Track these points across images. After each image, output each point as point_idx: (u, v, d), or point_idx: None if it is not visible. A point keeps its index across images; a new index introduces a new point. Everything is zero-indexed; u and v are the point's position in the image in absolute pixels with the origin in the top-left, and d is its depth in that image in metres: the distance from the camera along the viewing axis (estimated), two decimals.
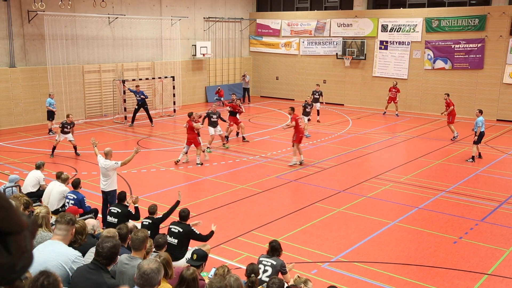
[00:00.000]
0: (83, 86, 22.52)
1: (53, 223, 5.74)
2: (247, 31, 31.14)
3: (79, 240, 5.47)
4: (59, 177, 9.76)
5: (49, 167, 13.59)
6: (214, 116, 17.03)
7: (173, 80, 24.59)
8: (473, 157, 15.83)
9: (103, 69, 23.25)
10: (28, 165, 14.24)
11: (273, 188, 13.00)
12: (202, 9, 28.01)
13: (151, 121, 21.40)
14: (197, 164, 15.11)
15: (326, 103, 24.25)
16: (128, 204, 8.73)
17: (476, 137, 15.73)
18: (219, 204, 11.73)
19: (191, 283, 4.71)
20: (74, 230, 5.14)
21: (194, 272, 4.79)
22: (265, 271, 6.45)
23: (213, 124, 17.01)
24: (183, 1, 26.90)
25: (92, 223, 6.64)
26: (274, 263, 6.52)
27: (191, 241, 7.81)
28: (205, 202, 11.87)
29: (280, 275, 6.44)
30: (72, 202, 9.17)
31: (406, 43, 25.49)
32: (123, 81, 22.40)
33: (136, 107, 21.34)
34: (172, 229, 7.66)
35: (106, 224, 8.28)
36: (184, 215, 7.77)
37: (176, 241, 7.55)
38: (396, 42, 25.81)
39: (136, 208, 8.71)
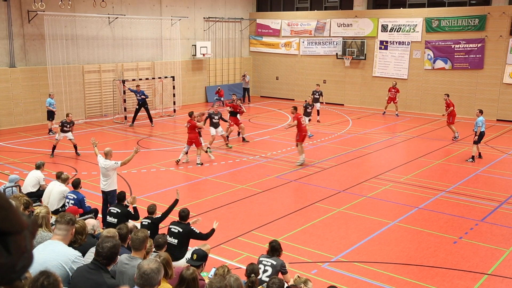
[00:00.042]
0: (83, 86, 22.52)
1: (53, 223, 5.74)
2: (247, 31, 31.15)
3: (79, 240, 5.47)
4: (59, 177, 9.76)
5: (49, 167, 13.59)
6: (216, 117, 17.03)
7: (173, 80, 24.59)
8: (473, 157, 15.83)
9: (103, 69, 23.26)
10: (28, 165, 14.24)
11: (273, 188, 13.00)
12: (202, 9, 28.01)
13: (151, 121, 21.41)
14: (197, 164, 15.11)
15: (326, 103, 24.25)
16: (128, 205, 8.74)
17: (476, 137, 15.73)
18: (219, 204, 11.73)
19: (191, 283, 4.71)
20: (74, 230, 5.14)
21: (194, 272, 4.79)
22: (265, 271, 6.45)
23: (215, 125, 17.02)
24: (183, 1, 26.91)
25: (92, 223, 6.64)
26: (274, 263, 6.52)
27: (191, 240, 7.81)
28: (205, 202, 11.87)
29: (280, 275, 6.44)
30: (72, 202, 9.17)
31: (406, 43, 25.49)
32: (123, 81, 22.40)
33: (137, 107, 21.35)
34: (172, 229, 7.65)
35: (106, 224, 8.28)
36: (184, 215, 7.76)
37: (176, 241, 7.55)
38: (396, 42, 25.82)
39: (135, 208, 8.71)
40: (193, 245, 7.47)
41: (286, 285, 5.89)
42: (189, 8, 27.30)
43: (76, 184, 9.50)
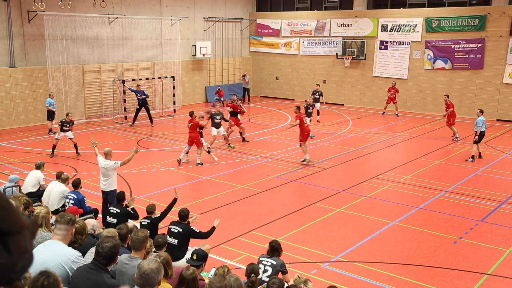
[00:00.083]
0: (83, 86, 22.52)
1: (53, 223, 5.74)
2: (247, 31, 31.15)
3: (79, 240, 5.47)
4: (59, 177, 9.76)
5: (49, 167, 13.59)
6: (218, 117, 17.03)
7: (173, 80, 24.59)
8: (473, 157, 15.84)
9: (103, 69, 23.26)
10: (28, 165, 14.24)
11: (273, 188, 13.00)
12: (202, 9, 28.01)
13: (151, 121, 21.41)
14: (197, 164, 15.11)
15: (326, 103, 24.24)
16: (128, 205, 8.74)
17: (477, 137, 15.74)
18: (219, 204, 11.73)
19: (191, 283, 4.71)
20: (74, 230, 5.14)
21: (194, 272, 4.79)
22: (265, 271, 6.45)
23: (217, 125, 17.02)
24: (183, 1, 26.91)
25: (92, 223, 6.64)
26: (274, 263, 6.52)
27: (191, 240, 7.81)
28: (205, 202, 11.87)
29: (280, 275, 6.44)
30: (72, 202, 9.17)
31: (406, 43, 25.50)
32: (123, 81, 22.40)
33: (138, 106, 21.36)
34: (172, 229, 7.65)
35: (106, 225, 8.28)
36: (184, 215, 7.76)
37: (176, 241, 7.55)
38: (396, 42, 25.82)
39: (133, 209, 8.72)
40: (193, 245, 7.47)
41: (286, 285, 5.89)
42: (189, 8, 27.31)
43: (76, 184, 9.50)
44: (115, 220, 8.20)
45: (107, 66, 23.43)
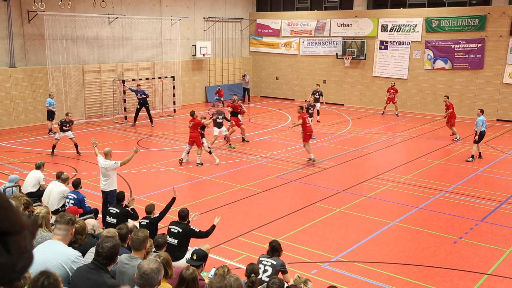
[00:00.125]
0: (83, 86, 22.52)
1: (53, 223, 5.74)
2: (247, 31, 31.15)
3: (79, 240, 5.47)
4: (59, 177, 9.76)
5: (49, 167, 13.59)
6: (220, 117, 17.05)
7: (173, 80, 24.59)
8: (472, 156, 15.86)
9: (103, 69, 23.26)
10: (28, 165, 14.24)
11: (273, 188, 13.00)
12: (202, 9, 28.01)
13: (151, 121, 21.41)
14: (197, 164, 15.10)
15: (326, 103, 24.26)
16: (128, 205, 8.74)
17: (477, 137, 15.75)
18: (219, 204, 11.73)
19: (191, 283, 4.71)
20: (74, 230, 5.14)
21: (193, 272, 4.79)
22: (265, 271, 6.45)
23: (219, 125, 17.03)
24: (183, 1, 26.91)
25: (92, 223, 6.64)
26: (274, 263, 6.52)
27: (191, 240, 7.80)
28: (205, 202, 11.87)
29: (280, 275, 6.44)
30: (72, 202, 9.17)
31: (406, 43, 25.50)
32: (123, 81, 22.41)
33: (138, 106, 21.37)
34: (172, 229, 7.65)
35: (106, 225, 8.27)
36: (184, 215, 7.76)
37: (176, 241, 7.55)
38: (396, 42, 25.82)
39: (133, 209, 8.72)
40: (193, 245, 7.47)
41: (286, 285, 5.89)
42: (189, 8, 27.31)
43: (76, 184, 9.50)
44: (115, 220, 8.20)
45: (107, 66, 23.43)
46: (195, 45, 27.34)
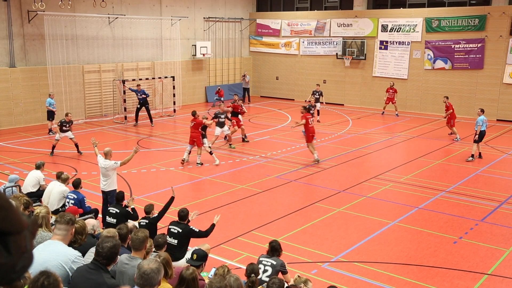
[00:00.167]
0: (83, 86, 22.53)
1: (53, 223, 5.74)
2: (247, 31, 31.15)
3: (79, 240, 5.47)
4: (59, 177, 9.76)
5: (49, 167, 13.59)
6: (222, 116, 17.07)
7: (173, 80, 24.59)
8: (472, 156, 15.88)
9: (103, 69, 23.26)
10: (28, 165, 14.24)
11: (273, 188, 13.00)
12: (202, 9, 28.01)
13: (151, 121, 21.41)
14: (197, 164, 15.10)
15: (326, 103, 24.26)
16: (127, 205, 8.74)
17: (477, 136, 15.77)
18: (219, 204, 11.73)
19: (190, 283, 4.71)
20: (73, 230, 5.14)
21: (193, 272, 4.79)
22: (265, 271, 6.45)
23: (221, 125, 17.05)
24: (183, 1, 26.91)
25: (92, 223, 6.64)
26: (274, 263, 6.52)
27: (191, 240, 7.80)
28: (205, 202, 11.87)
29: (280, 275, 6.44)
30: (72, 202, 9.17)
31: (406, 43, 25.50)
32: (123, 81, 22.41)
33: (138, 106, 21.37)
34: (172, 230, 7.65)
35: (105, 225, 8.27)
36: (183, 215, 7.76)
37: (176, 241, 7.55)
38: (396, 42, 25.82)
39: (133, 209, 8.72)
40: (193, 245, 7.47)
41: (286, 285, 5.89)
42: (189, 8, 27.31)
43: (76, 184, 9.50)
44: (115, 220, 8.19)
45: (107, 66, 23.43)
46: (195, 45, 27.34)
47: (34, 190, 10.37)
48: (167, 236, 7.23)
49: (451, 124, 19.23)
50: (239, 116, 18.42)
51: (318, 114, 22.07)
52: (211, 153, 15.22)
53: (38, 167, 10.80)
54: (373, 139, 19.20)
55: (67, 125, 15.93)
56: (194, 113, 15.42)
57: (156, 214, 8.21)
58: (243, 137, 18.47)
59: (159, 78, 24.48)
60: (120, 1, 23.77)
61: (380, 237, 9.92)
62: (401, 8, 25.94)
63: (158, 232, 7.95)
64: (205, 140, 15.36)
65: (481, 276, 8.32)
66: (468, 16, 23.56)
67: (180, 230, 7.59)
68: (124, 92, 22.32)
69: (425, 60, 25.05)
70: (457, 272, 8.42)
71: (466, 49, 23.82)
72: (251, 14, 30.98)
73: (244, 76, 28.65)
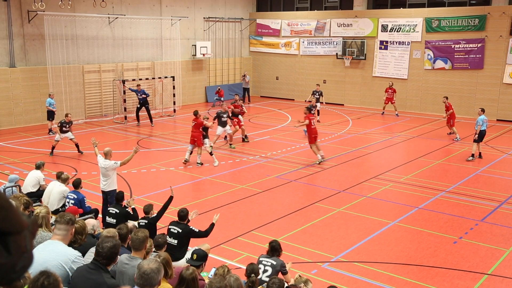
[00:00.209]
0: (83, 86, 22.53)
1: (53, 223, 5.74)
2: (247, 31, 31.15)
3: (78, 240, 5.47)
4: (59, 177, 9.76)
5: (49, 167, 13.59)
6: (224, 116, 17.08)
7: (173, 80, 24.59)
8: (472, 155, 15.90)
9: (103, 69, 23.26)
10: (28, 165, 14.24)
11: (273, 188, 13.00)
12: (202, 9, 28.01)
13: (151, 121, 21.42)
14: (197, 163, 15.10)
15: (326, 103, 24.27)
16: (127, 206, 8.73)
17: (476, 135, 15.79)
18: (219, 204, 11.72)
19: (190, 283, 4.71)
20: (73, 230, 5.14)
21: (193, 272, 4.79)
22: (265, 271, 6.45)
23: (223, 124, 17.05)
24: (183, 1, 26.91)
25: (92, 223, 6.64)
26: (274, 263, 6.52)
27: (191, 240, 7.80)
28: (205, 202, 11.87)
29: (280, 275, 6.44)
30: (72, 202, 9.17)
31: (406, 43, 25.49)
32: (123, 81, 22.41)
33: (138, 106, 21.38)
34: (172, 230, 7.65)
35: (105, 225, 8.27)
36: (183, 215, 7.75)
37: (176, 241, 7.55)
38: (396, 42, 25.82)
39: (134, 209, 8.72)
40: (193, 245, 7.47)
41: (286, 285, 5.89)
42: (189, 8, 27.31)
43: (76, 184, 9.50)
44: (114, 221, 8.19)
45: (107, 66, 23.43)
46: (195, 45, 27.34)
47: (34, 190, 10.37)
48: (167, 236, 7.23)
49: (450, 124, 19.26)
50: (240, 116, 18.42)
51: (318, 114, 22.07)
52: (211, 153, 15.21)
53: (38, 167, 10.80)
54: (373, 139, 19.20)
55: (67, 126, 15.93)
56: (196, 113, 15.42)
57: (155, 214, 8.20)
58: (243, 137, 18.47)
59: (159, 78, 24.48)
60: (120, 1, 23.77)
61: (380, 237, 9.92)
62: (401, 8, 25.94)
63: (158, 232, 7.95)
64: (206, 140, 15.34)
65: (481, 276, 8.32)
66: (468, 16, 23.56)
67: (180, 230, 7.59)
68: (124, 92, 22.33)
69: (425, 60, 25.05)
70: (457, 272, 8.42)
71: (466, 49, 23.82)
72: (251, 14, 30.98)
73: (244, 76, 28.65)
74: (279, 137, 19.24)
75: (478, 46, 23.45)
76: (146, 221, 7.99)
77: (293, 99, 29.43)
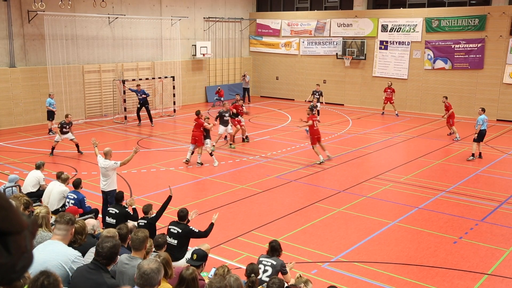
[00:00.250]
0: (83, 86, 22.52)
1: (53, 223, 5.74)
2: (247, 31, 31.14)
3: (78, 240, 5.47)
4: (59, 177, 9.76)
5: (49, 167, 13.59)
6: (226, 115, 17.09)
7: (173, 80, 24.59)
8: (473, 155, 15.91)
9: (103, 69, 23.26)
10: (28, 165, 14.24)
11: (273, 188, 13.00)
12: (202, 9, 28.01)
13: (151, 121, 21.41)
14: (197, 163, 15.10)
15: (326, 103, 24.26)
16: (126, 206, 8.73)
17: (476, 135, 15.81)
18: (219, 204, 11.72)
19: (190, 283, 4.71)
20: (73, 230, 5.14)
21: (193, 272, 4.79)
22: (265, 271, 6.45)
23: (225, 123, 17.06)
24: (183, 1, 26.91)
25: (92, 223, 6.64)
26: (274, 263, 6.52)
27: (191, 240, 7.80)
28: (205, 202, 11.87)
29: (280, 275, 6.44)
30: (72, 202, 9.17)
31: (406, 43, 25.49)
32: (123, 81, 22.41)
33: (138, 106, 21.38)
34: (171, 230, 7.65)
35: (105, 225, 8.27)
36: (183, 215, 7.75)
37: (175, 241, 7.55)
38: (396, 42, 25.82)
39: (134, 209, 8.72)
40: (193, 245, 7.47)
41: (286, 285, 5.89)
42: (189, 8, 27.31)
43: (77, 184, 9.50)
44: (114, 221, 8.19)
45: (107, 66, 23.43)
46: (195, 45, 27.34)
47: (34, 190, 10.37)
48: (167, 236, 7.23)
49: (450, 124, 19.26)
50: (240, 116, 18.42)
51: (318, 114, 22.01)
52: (211, 154, 15.21)
53: (38, 167, 10.80)
54: (373, 139, 19.20)
55: (67, 127, 15.94)
56: (198, 113, 15.43)
57: (154, 214, 8.21)
58: (244, 137, 18.47)
59: (159, 78, 24.48)
60: (120, 1, 23.77)
61: (380, 237, 9.92)
62: (401, 8, 25.94)
63: (158, 232, 7.95)
64: (207, 140, 15.31)
65: (481, 276, 8.32)
66: (468, 16, 23.56)
67: (180, 231, 7.59)
68: (124, 92, 22.33)
69: (425, 60, 25.04)
70: (457, 272, 8.42)
71: (466, 49, 23.82)
72: (251, 14, 30.98)
73: (244, 76, 28.65)
74: (279, 137, 19.23)
75: (478, 46, 23.45)
76: (146, 221, 7.99)
77: (293, 99, 29.42)
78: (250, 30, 31.14)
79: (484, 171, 14.88)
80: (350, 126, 21.80)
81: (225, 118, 17.05)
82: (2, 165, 14.85)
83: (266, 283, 5.67)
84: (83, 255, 5.18)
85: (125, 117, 22.07)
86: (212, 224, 7.91)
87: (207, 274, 6.27)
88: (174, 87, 24.59)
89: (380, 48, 26.35)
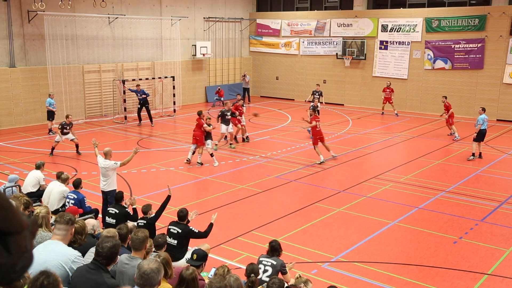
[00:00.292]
0: (83, 86, 22.52)
1: (53, 223, 5.74)
2: (247, 31, 31.14)
3: (78, 240, 5.47)
4: (59, 177, 9.76)
5: (49, 167, 13.59)
6: (228, 114, 17.10)
7: (173, 80, 24.59)
8: (473, 154, 15.91)
9: (103, 69, 23.26)
10: (28, 165, 14.24)
11: (273, 188, 13.00)
12: (202, 9, 28.01)
13: (151, 121, 21.42)
14: (197, 163, 15.10)
15: (326, 103, 24.26)
16: (126, 206, 8.73)
17: (475, 134, 15.82)
18: (219, 204, 11.73)
19: (190, 283, 4.71)
20: (73, 230, 5.14)
21: (193, 272, 4.79)
22: (265, 271, 6.45)
23: (226, 122, 17.08)
24: (183, 1, 26.91)
25: (92, 223, 6.64)
26: (274, 263, 6.52)
27: (191, 240, 7.80)
28: (205, 202, 11.87)
29: (280, 275, 6.44)
30: (72, 202, 9.17)
31: (406, 43, 25.49)
32: (123, 81, 22.41)
33: (139, 106, 21.39)
34: (171, 230, 7.65)
35: (105, 225, 8.27)
36: (183, 215, 7.75)
37: (175, 242, 7.55)
38: (396, 42, 25.82)
39: (134, 209, 8.72)
40: (193, 245, 7.47)
41: (286, 285, 5.89)
42: (189, 8, 27.30)
43: (77, 184, 9.50)
44: (114, 221, 8.18)
45: (107, 66, 23.43)
46: (195, 45, 27.34)
47: (34, 190, 10.37)
48: (167, 237, 7.23)
49: (450, 123, 19.27)
50: (239, 116, 18.41)
51: (318, 114, 22.04)
52: (211, 155, 15.21)
53: (38, 167, 10.80)
54: (373, 139, 19.20)
55: (68, 127, 15.95)
56: (199, 113, 15.46)
57: (154, 214, 8.21)
58: (244, 137, 18.48)
59: (159, 78, 24.48)
60: (120, 1, 23.77)
61: (380, 237, 9.92)
62: (401, 8, 25.94)
63: (158, 232, 7.95)
64: (208, 141, 15.31)
65: (481, 276, 8.32)
66: (468, 16, 23.56)
67: (180, 231, 7.59)
68: (124, 92, 22.33)
69: (425, 60, 25.04)
70: (457, 272, 8.42)
71: (466, 49, 23.82)
72: (251, 14, 30.98)
73: (244, 76, 28.65)
74: (279, 137, 19.24)
75: (478, 46, 23.45)
76: (145, 221, 7.99)
77: (293, 99, 29.42)
78: (250, 30, 31.14)
79: (484, 171, 14.88)
80: (350, 126, 21.80)
81: (227, 117, 17.08)
82: (2, 165, 14.85)
83: (266, 283, 5.67)
84: (83, 255, 5.18)
85: (125, 117, 22.07)
86: (211, 224, 7.91)
87: (207, 274, 6.27)
88: (174, 87, 24.59)
89: (380, 48, 26.35)
